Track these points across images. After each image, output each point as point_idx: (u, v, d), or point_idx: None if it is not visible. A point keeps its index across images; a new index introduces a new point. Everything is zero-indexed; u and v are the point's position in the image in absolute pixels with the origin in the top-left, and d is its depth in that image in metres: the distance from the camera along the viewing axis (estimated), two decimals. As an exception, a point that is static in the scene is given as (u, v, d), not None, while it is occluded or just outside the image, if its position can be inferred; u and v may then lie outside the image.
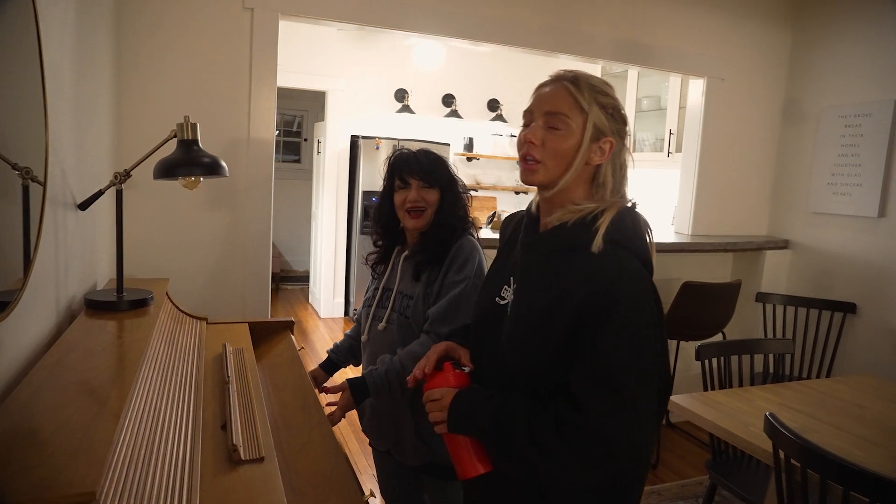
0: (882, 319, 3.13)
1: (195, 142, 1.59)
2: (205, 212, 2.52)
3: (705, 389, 2.24)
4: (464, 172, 6.17)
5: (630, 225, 1.09)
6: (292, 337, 2.13)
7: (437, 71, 5.93)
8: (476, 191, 6.18)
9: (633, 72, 4.39)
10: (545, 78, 1.14)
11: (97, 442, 0.85)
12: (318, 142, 6.07)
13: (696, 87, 3.48)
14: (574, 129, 1.07)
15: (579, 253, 1.05)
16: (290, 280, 7.50)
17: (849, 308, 3.22)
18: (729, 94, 3.47)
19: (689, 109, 3.56)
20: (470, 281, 1.61)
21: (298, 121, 7.76)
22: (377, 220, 1.80)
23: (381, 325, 1.70)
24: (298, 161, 7.73)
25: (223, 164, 1.63)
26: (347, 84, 5.62)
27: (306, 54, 5.29)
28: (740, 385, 2.30)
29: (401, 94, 5.84)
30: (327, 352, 1.93)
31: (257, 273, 2.64)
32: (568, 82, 1.09)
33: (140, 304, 1.69)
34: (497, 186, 6.30)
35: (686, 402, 1.94)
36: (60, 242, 1.48)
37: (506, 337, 1.11)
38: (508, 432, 1.03)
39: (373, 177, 5.56)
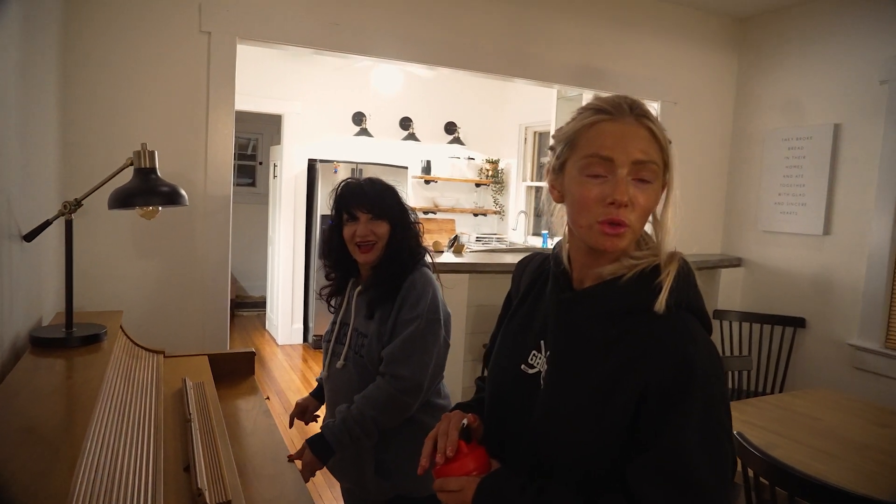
0: (829, 332, 3.25)
1: (153, 170, 1.53)
2: (160, 240, 2.43)
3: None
4: (422, 195, 6.20)
5: (693, 282, 0.92)
6: (255, 380, 2.07)
7: (394, 94, 5.95)
8: (435, 213, 6.20)
9: (587, 95, 4.51)
10: (593, 101, 0.93)
11: (52, 496, 0.79)
12: (275, 165, 5.98)
13: (650, 110, 3.58)
14: (659, 178, 0.89)
15: (640, 317, 0.87)
16: (245, 306, 7.30)
17: (798, 323, 3.33)
18: (682, 117, 3.58)
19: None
20: (423, 318, 1.55)
21: (253, 144, 7.64)
22: (328, 254, 1.74)
23: (339, 364, 1.66)
24: (253, 185, 7.59)
25: (182, 192, 1.58)
26: (304, 107, 5.57)
27: (260, 77, 5.22)
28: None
29: (358, 118, 5.82)
30: (317, 380, 1.87)
31: (216, 302, 2.56)
32: (647, 119, 0.89)
33: (92, 340, 1.61)
34: (455, 209, 6.32)
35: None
36: (4, 275, 1.39)
37: (541, 415, 0.91)
38: None
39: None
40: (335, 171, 5.49)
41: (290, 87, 5.47)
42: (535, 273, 1.07)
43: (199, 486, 1.13)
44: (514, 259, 3.24)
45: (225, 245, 2.55)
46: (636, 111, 0.90)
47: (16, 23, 1.46)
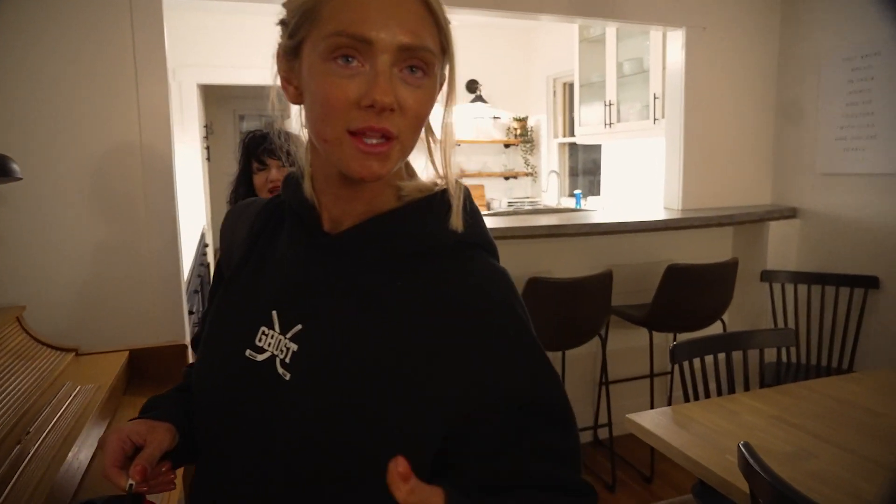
0: (910, 293, 2.66)
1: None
2: (95, 226, 2.16)
3: (686, 400, 1.82)
4: (447, 160, 5.79)
5: (479, 212, 0.73)
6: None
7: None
8: (461, 178, 5.77)
9: (611, 32, 3.94)
10: None
11: None
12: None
13: (676, 41, 3.03)
14: (437, 72, 0.65)
15: (432, 261, 0.67)
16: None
17: (870, 283, 2.74)
18: (713, 45, 3.00)
19: (670, 68, 3.11)
20: None
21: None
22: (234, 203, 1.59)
23: None
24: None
25: (13, 164, 1.28)
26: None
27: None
28: (731, 391, 1.87)
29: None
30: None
31: (166, 289, 2.29)
32: None
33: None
34: (483, 173, 5.88)
35: (653, 420, 1.53)
36: None
37: (296, 416, 0.64)
38: None
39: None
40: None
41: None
42: (258, 223, 0.78)
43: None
44: (521, 221, 2.82)
45: (173, 225, 2.26)
46: None
47: None
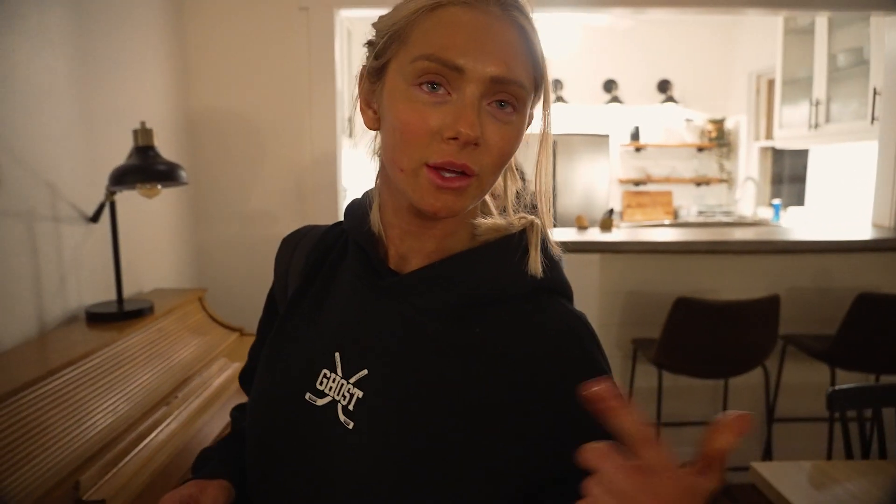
0: None
1: (150, 147, 1.51)
2: (273, 218, 2.49)
3: (848, 457, 1.54)
4: (631, 165, 5.55)
5: (556, 253, 0.67)
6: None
7: (593, 54, 5.38)
8: (646, 184, 5.47)
9: (821, 21, 3.41)
10: None
11: None
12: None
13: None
14: (527, 109, 0.61)
15: (508, 307, 0.62)
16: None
17: None
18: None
19: (889, 58, 2.62)
20: None
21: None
22: None
23: None
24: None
25: (182, 171, 1.53)
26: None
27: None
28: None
29: (554, 84, 5.42)
30: None
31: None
32: (520, 14, 0.58)
33: (136, 315, 1.66)
34: (671, 178, 5.49)
35: (779, 473, 1.32)
36: (66, 255, 1.59)
37: (360, 469, 0.60)
38: None
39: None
40: (527, 144, 5.19)
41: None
42: (316, 253, 0.72)
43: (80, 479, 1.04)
44: (692, 235, 2.62)
45: (334, 217, 2.51)
46: (512, 5, 0.58)
47: (65, 20, 1.55)
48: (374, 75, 0.62)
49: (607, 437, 0.56)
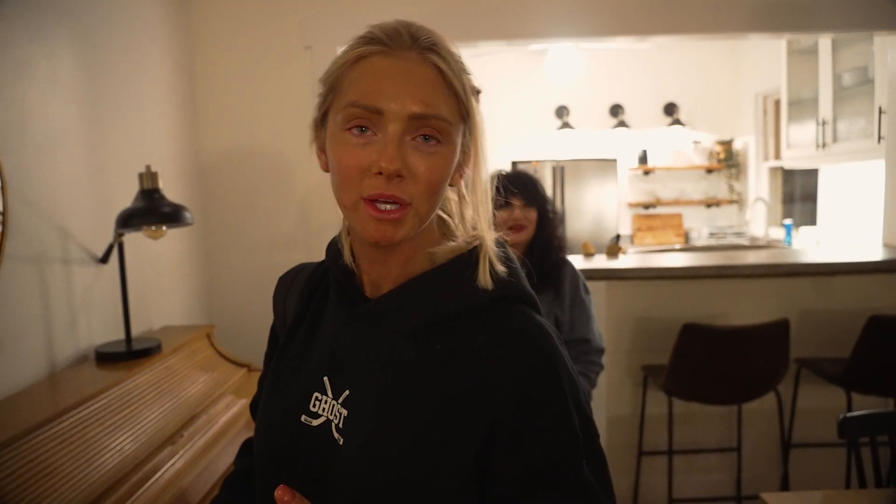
0: None
1: (156, 190, 1.55)
2: (282, 253, 2.52)
3: (861, 486, 1.51)
4: (639, 188, 5.55)
5: (514, 263, 0.72)
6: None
7: (597, 80, 5.43)
8: (655, 206, 5.46)
9: (824, 42, 3.43)
10: (369, 28, 0.67)
11: None
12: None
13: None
14: (454, 139, 0.66)
15: (470, 322, 0.67)
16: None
17: None
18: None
19: (893, 76, 2.62)
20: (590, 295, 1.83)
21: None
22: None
23: None
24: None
25: (187, 212, 1.57)
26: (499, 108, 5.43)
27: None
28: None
29: (560, 111, 5.46)
30: None
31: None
32: (435, 55, 0.65)
33: (144, 354, 1.69)
34: (680, 200, 5.48)
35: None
36: (77, 295, 1.63)
37: (348, 484, 0.65)
38: None
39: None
40: (534, 171, 5.23)
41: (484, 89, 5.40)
42: (307, 289, 0.80)
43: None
44: (699, 260, 2.60)
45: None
46: (422, 42, 0.65)
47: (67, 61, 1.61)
48: (319, 122, 0.69)
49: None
